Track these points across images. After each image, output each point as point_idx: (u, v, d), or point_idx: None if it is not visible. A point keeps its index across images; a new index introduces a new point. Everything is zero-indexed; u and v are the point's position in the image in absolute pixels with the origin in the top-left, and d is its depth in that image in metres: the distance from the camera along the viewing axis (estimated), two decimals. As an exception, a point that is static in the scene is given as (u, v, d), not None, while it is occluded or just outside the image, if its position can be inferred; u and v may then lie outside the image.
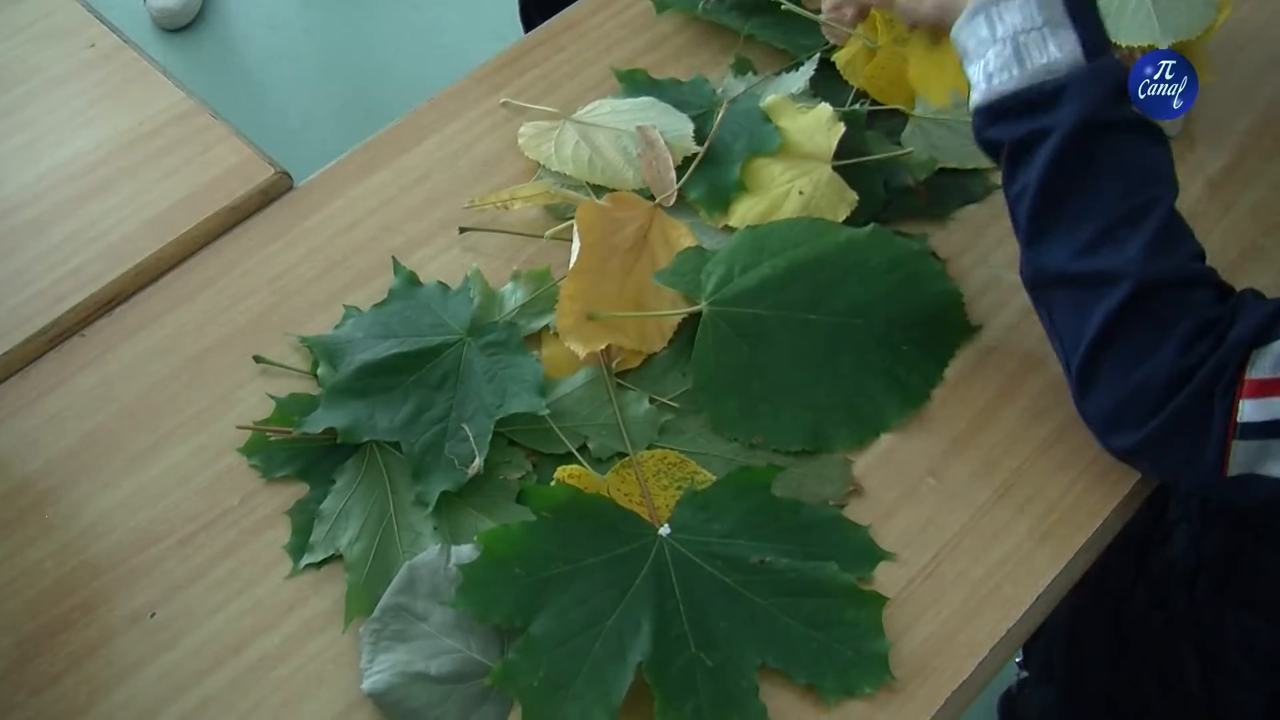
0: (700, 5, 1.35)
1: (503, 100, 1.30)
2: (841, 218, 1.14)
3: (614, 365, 1.08)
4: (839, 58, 1.28)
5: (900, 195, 1.19)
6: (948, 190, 1.21)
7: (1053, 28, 0.93)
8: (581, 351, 1.05)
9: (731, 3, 1.35)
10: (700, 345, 1.06)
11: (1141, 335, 0.90)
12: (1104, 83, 0.93)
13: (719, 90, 1.28)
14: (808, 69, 1.27)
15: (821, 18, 1.29)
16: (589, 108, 1.26)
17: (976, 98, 0.97)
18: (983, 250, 1.17)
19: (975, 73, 0.97)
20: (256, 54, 3.02)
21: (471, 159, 1.26)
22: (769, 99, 1.23)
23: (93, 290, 1.18)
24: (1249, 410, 0.86)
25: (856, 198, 1.15)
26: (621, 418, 1.05)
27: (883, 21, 1.27)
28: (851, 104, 1.25)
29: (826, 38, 1.30)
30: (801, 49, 1.31)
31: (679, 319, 1.10)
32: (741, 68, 1.31)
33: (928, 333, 1.09)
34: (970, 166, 1.22)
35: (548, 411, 1.03)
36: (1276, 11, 1.34)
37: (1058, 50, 0.93)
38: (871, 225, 1.12)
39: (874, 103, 1.26)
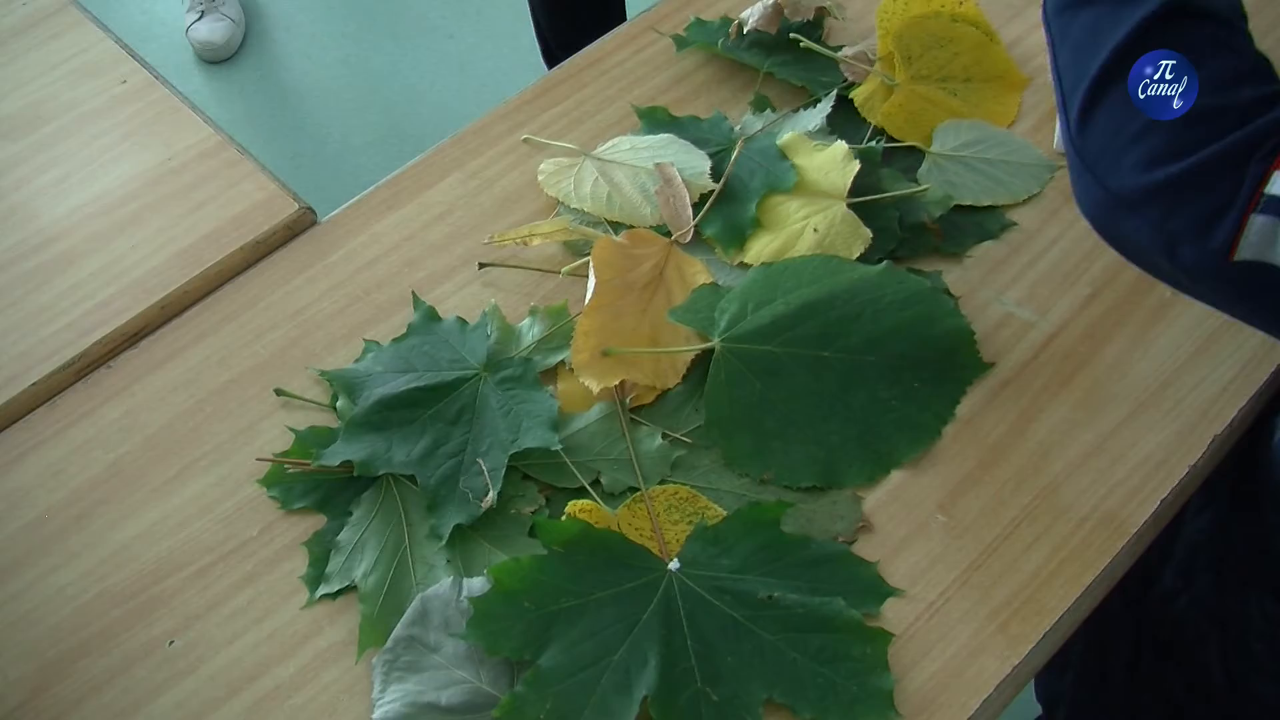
0: (720, 43, 1.36)
1: (524, 137, 1.32)
2: (855, 255, 1.15)
3: (628, 401, 1.09)
4: (857, 95, 1.29)
5: (915, 233, 1.20)
6: (963, 227, 1.22)
7: None
8: (595, 387, 1.06)
9: (751, 40, 1.36)
10: (713, 382, 1.07)
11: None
12: None
13: (737, 127, 1.29)
14: (825, 106, 1.28)
15: (840, 55, 1.30)
16: (609, 145, 1.28)
17: None
18: (998, 287, 1.17)
19: None
20: (296, 84, 3.06)
21: (493, 195, 1.28)
22: (786, 136, 1.24)
23: (119, 323, 1.20)
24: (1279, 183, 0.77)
25: (870, 235, 1.16)
26: (634, 453, 1.06)
27: (900, 59, 1.28)
28: (869, 141, 1.26)
29: (845, 75, 1.32)
30: (820, 86, 1.32)
31: (693, 355, 1.11)
32: (760, 105, 1.32)
33: (939, 370, 1.10)
34: (986, 204, 1.23)
35: (560, 447, 1.04)
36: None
37: None
38: (884, 263, 1.13)
39: (891, 140, 1.27)
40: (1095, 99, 0.84)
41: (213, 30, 3.04)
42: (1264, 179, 0.77)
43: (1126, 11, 0.83)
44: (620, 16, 2.41)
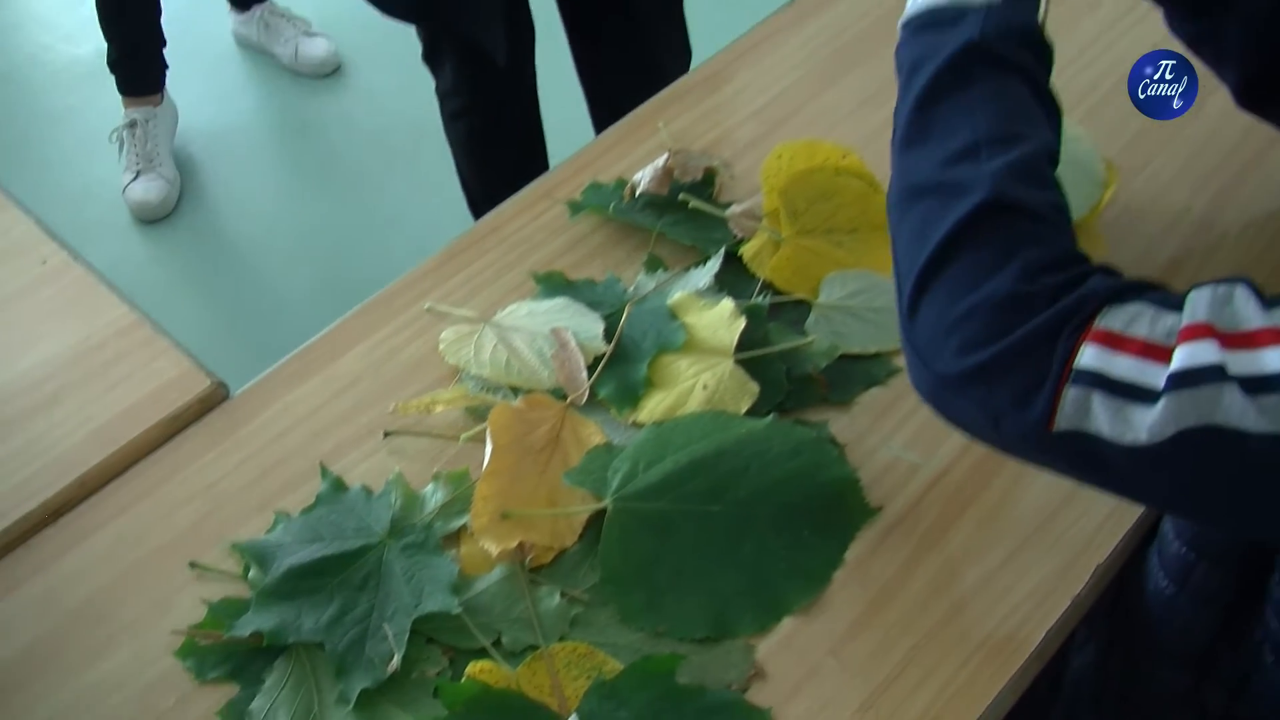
0: (612, 206, 1.42)
1: (427, 306, 1.37)
2: (744, 409, 1.20)
3: (528, 561, 1.13)
4: (745, 251, 1.34)
5: (803, 384, 1.24)
6: (851, 375, 1.26)
7: None
8: (494, 550, 1.10)
9: (645, 202, 1.42)
10: (606, 540, 1.11)
11: (985, 252, 0.88)
12: (1008, 20, 0.95)
13: (631, 288, 1.34)
14: (713, 264, 1.33)
15: (728, 213, 1.36)
16: (507, 310, 1.32)
17: (906, 11, 1.02)
18: (885, 432, 1.22)
19: None
20: (231, 241, 3.12)
21: (397, 364, 1.33)
22: (675, 296, 1.29)
23: (40, 500, 1.23)
24: (1088, 355, 0.82)
25: (758, 389, 1.21)
26: (534, 612, 1.09)
27: (786, 214, 1.34)
28: (758, 295, 1.31)
29: (734, 232, 1.37)
30: (711, 244, 1.37)
31: (588, 515, 1.15)
32: (653, 265, 1.37)
33: (827, 518, 1.14)
34: (873, 351, 1.28)
35: (459, 610, 1.08)
36: (1167, 186, 1.41)
37: None
38: (771, 416, 1.18)
39: (779, 293, 1.32)
40: (922, 289, 0.90)
41: (148, 190, 3.10)
42: (1073, 353, 0.82)
43: (953, 206, 0.90)
44: (543, 166, 2.47)
